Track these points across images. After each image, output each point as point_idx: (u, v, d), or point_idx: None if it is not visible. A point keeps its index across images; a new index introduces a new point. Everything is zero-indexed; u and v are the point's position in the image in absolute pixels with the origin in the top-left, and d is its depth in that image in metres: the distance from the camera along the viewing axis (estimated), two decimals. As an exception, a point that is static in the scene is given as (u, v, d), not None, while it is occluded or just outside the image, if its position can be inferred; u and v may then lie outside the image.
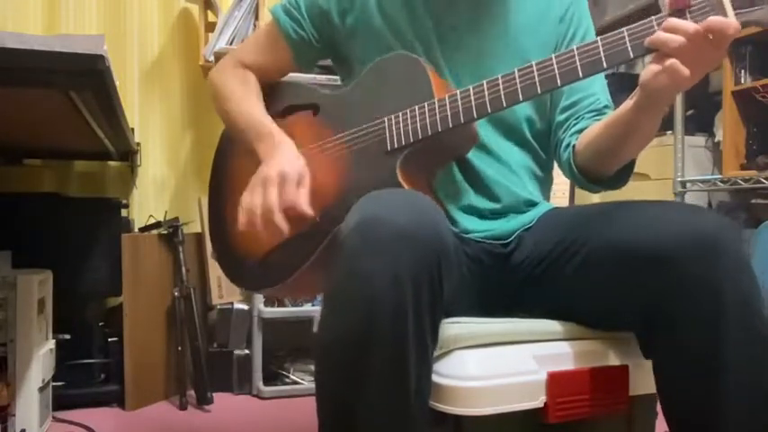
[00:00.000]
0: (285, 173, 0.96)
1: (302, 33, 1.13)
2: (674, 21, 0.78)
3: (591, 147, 0.98)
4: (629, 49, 0.81)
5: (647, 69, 0.80)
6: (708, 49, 0.77)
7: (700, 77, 0.80)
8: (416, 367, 0.75)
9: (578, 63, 0.84)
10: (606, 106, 1.06)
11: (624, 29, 0.81)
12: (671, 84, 0.79)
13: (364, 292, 0.73)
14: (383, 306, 0.72)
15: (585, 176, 1.00)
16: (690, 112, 2.74)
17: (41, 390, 1.69)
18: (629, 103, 0.89)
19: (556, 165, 1.12)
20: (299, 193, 0.95)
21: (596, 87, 1.07)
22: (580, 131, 1.02)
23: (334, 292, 0.78)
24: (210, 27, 2.28)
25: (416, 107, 0.95)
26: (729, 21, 0.75)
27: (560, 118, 1.07)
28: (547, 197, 1.14)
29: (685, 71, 0.77)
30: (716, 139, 2.71)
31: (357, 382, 0.74)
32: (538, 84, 0.86)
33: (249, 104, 1.11)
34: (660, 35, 0.78)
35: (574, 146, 1.01)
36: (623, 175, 0.99)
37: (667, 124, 2.58)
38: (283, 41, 1.14)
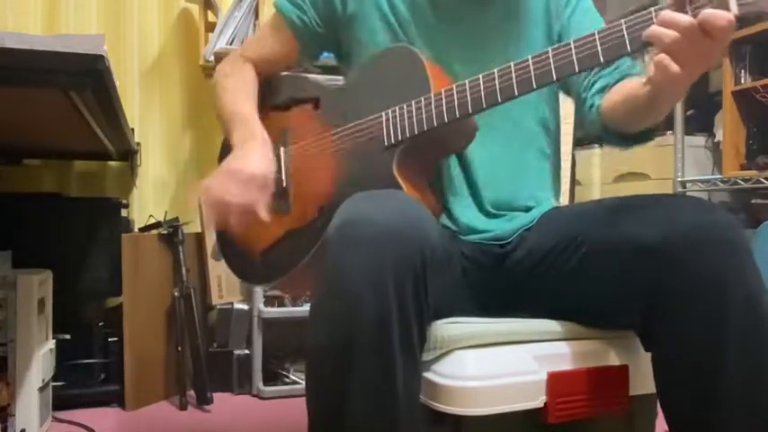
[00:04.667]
0: (252, 173, 0.97)
1: (306, 19, 1.13)
2: (668, 13, 0.73)
3: (615, 113, 0.97)
4: (627, 42, 0.77)
5: (650, 65, 0.77)
6: (704, 42, 0.72)
7: (699, 73, 0.77)
8: (403, 367, 0.75)
9: (574, 57, 0.81)
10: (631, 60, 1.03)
11: (622, 20, 0.78)
12: (665, 80, 0.76)
13: (347, 291, 0.73)
14: (366, 305, 0.72)
15: (617, 134, 0.99)
16: (690, 112, 2.74)
17: (41, 390, 1.69)
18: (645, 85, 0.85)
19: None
20: (259, 197, 0.97)
21: None
22: (602, 90, 1.01)
23: (320, 293, 0.78)
24: (210, 27, 2.28)
25: (413, 102, 0.94)
26: (721, 12, 0.71)
27: (583, 81, 1.05)
28: (551, 196, 1.12)
29: (675, 67, 0.74)
30: (716, 139, 2.71)
31: (343, 384, 0.74)
32: (533, 78, 0.84)
33: (240, 99, 1.12)
34: (654, 29, 0.74)
35: (599, 106, 1.00)
36: (650, 132, 0.97)
37: (667, 124, 2.58)
38: (288, 30, 1.14)
